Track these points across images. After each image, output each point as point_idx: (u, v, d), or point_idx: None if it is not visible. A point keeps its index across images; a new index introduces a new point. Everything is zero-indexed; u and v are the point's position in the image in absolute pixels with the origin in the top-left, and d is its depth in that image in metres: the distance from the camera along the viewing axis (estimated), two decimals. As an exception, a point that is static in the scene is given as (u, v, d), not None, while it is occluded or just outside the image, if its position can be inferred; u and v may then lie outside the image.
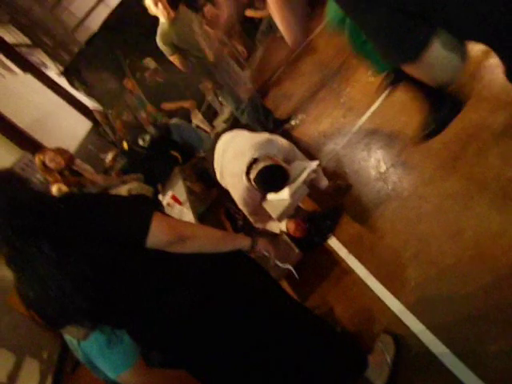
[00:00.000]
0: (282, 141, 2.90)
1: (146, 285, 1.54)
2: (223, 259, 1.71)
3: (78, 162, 4.60)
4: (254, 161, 2.60)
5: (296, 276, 2.14)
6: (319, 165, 2.85)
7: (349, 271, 2.67)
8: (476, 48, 1.97)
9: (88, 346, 2.03)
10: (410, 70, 0.97)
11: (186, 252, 1.56)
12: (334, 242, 2.95)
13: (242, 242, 1.77)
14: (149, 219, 1.49)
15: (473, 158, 2.47)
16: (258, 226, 2.99)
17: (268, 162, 2.57)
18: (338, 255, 2.83)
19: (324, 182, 3.09)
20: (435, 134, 2.46)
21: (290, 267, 2.11)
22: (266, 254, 1.85)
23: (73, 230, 1.41)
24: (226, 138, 3.08)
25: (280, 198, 2.68)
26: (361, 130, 3.62)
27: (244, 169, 2.64)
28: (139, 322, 1.61)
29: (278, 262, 1.93)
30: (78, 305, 1.42)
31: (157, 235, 1.49)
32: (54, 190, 4.04)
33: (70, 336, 2.02)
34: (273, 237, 2.97)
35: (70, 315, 1.46)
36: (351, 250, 2.77)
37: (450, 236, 2.26)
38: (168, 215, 1.67)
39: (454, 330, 1.95)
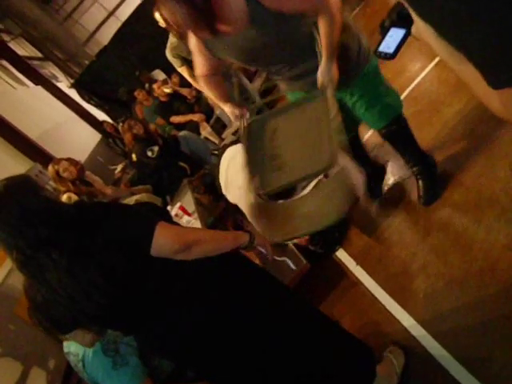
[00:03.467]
0: None
1: (156, 293, 1.55)
2: (232, 266, 1.73)
3: (87, 173, 4.67)
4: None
5: (293, 267, 2.17)
6: (326, 176, 2.85)
7: (357, 283, 2.66)
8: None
9: (94, 368, 2.06)
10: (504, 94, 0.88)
11: (192, 258, 1.56)
12: (341, 254, 2.94)
13: (242, 239, 1.78)
14: (152, 227, 1.50)
15: (481, 170, 2.47)
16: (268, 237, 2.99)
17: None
18: (346, 267, 2.82)
19: None
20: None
21: (286, 259, 2.15)
22: (263, 250, 1.87)
23: (83, 237, 1.43)
24: (229, 154, 3.09)
25: (288, 209, 2.68)
26: (368, 141, 3.62)
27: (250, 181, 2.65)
28: (148, 329, 1.61)
29: (275, 256, 1.96)
30: (87, 311, 1.44)
31: (161, 243, 1.50)
32: (65, 198, 4.10)
33: (76, 341, 2.03)
34: (281, 247, 2.97)
35: (78, 320, 1.48)
36: (359, 262, 2.76)
37: (459, 248, 2.25)
38: (173, 223, 1.69)
39: (462, 342, 1.93)
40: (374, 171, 2.99)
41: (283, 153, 2.10)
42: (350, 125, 2.58)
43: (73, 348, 2.13)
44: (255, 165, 2.14)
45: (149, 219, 1.55)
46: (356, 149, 2.85)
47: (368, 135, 3.66)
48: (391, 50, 1.25)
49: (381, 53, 1.28)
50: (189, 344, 1.64)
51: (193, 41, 2.15)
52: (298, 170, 2.01)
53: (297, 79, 2.29)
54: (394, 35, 1.23)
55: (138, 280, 1.50)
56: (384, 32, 1.26)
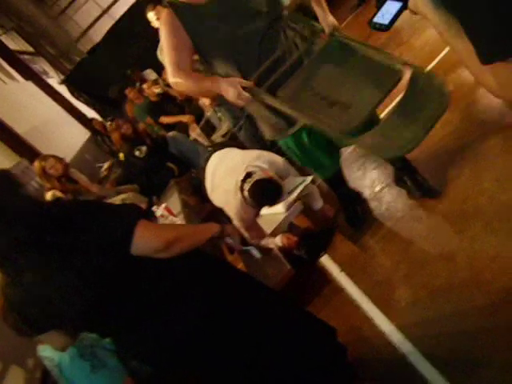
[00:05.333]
0: (274, 156, 2.92)
1: (134, 295, 1.52)
2: (213, 270, 1.72)
3: (73, 170, 4.62)
4: (248, 175, 2.61)
5: (257, 255, 2.18)
6: (314, 182, 2.86)
7: (340, 290, 2.66)
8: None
9: (72, 373, 2.03)
10: (496, 69, 0.86)
11: (171, 256, 1.54)
12: (326, 260, 2.94)
13: (214, 229, 1.78)
14: (133, 225, 1.47)
15: (467, 180, 2.48)
16: (254, 241, 2.98)
17: (262, 176, 2.59)
18: (330, 274, 2.82)
19: (318, 203, 3.07)
20: None
21: (251, 248, 2.17)
22: (230, 240, 1.86)
23: (61, 236, 1.39)
24: (215, 159, 3.09)
25: (274, 213, 2.68)
26: (356, 149, 3.63)
27: (238, 183, 2.65)
28: (125, 332, 1.59)
29: (242, 246, 1.97)
30: (62, 313, 1.41)
31: (142, 242, 1.47)
32: (49, 195, 4.05)
33: (49, 344, 2.00)
34: (267, 252, 2.96)
35: (53, 321, 1.45)
36: (343, 269, 2.76)
37: (443, 258, 2.26)
38: (154, 222, 1.67)
39: (443, 351, 1.93)
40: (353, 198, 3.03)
41: (340, 94, 2.04)
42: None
43: (48, 352, 2.10)
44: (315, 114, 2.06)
45: (129, 217, 1.52)
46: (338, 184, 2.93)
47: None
48: (386, 22, 1.25)
49: (376, 23, 1.28)
50: (167, 348, 1.62)
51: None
52: (371, 98, 1.95)
53: None
54: (390, 7, 1.23)
55: (117, 281, 1.47)
56: (380, 4, 1.26)
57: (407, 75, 1.87)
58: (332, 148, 2.67)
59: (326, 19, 2.29)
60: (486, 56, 0.87)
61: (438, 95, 1.82)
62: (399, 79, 1.92)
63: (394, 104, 1.99)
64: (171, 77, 2.30)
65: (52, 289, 1.39)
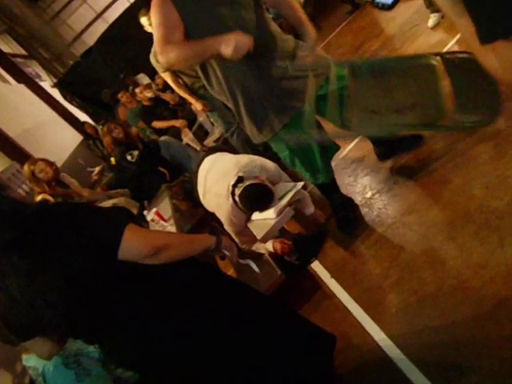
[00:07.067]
0: (266, 162, 2.92)
1: (120, 301, 1.50)
2: (202, 275, 1.71)
3: (63, 174, 4.58)
4: (239, 179, 2.61)
5: (256, 270, 2.16)
6: (305, 188, 2.86)
7: (331, 296, 2.66)
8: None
9: (56, 381, 2.01)
10: (498, 48, 0.85)
11: (160, 263, 1.52)
12: (317, 266, 2.93)
13: (209, 241, 1.76)
14: (121, 230, 1.44)
15: (457, 188, 2.50)
16: (245, 246, 2.97)
17: (253, 181, 2.59)
18: (321, 279, 2.81)
19: (310, 209, 3.07)
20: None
21: (250, 261, 2.15)
22: (227, 253, 1.83)
23: (47, 240, 1.37)
24: (207, 163, 3.09)
25: (265, 218, 2.68)
26: (348, 155, 3.64)
27: (229, 188, 2.65)
28: (111, 339, 1.57)
29: (240, 260, 1.95)
30: (47, 318, 1.39)
31: (130, 246, 1.44)
32: (39, 200, 4.01)
33: (34, 351, 1.97)
34: (258, 257, 2.96)
35: (37, 327, 1.43)
36: (334, 275, 2.76)
37: (432, 265, 2.27)
38: (144, 227, 1.65)
39: (432, 357, 1.94)
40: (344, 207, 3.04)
41: (401, 100, 2.01)
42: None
43: (32, 362, 2.08)
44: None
45: (117, 221, 1.49)
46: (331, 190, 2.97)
47: (347, 150, 3.70)
48: (389, 1, 1.24)
49: (378, 3, 1.28)
50: (155, 355, 1.60)
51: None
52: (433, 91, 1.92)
53: None
54: None
55: (103, 285, 1.46)
56: None
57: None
58: (328, 153, 2.70)
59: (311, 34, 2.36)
60: (486, 34, 0.87)
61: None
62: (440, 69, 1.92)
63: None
64: (160, 54, 2.20)
65: (35, 292, 1.36)
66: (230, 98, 2.46)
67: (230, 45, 2.03)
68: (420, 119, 1.96)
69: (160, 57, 2.21)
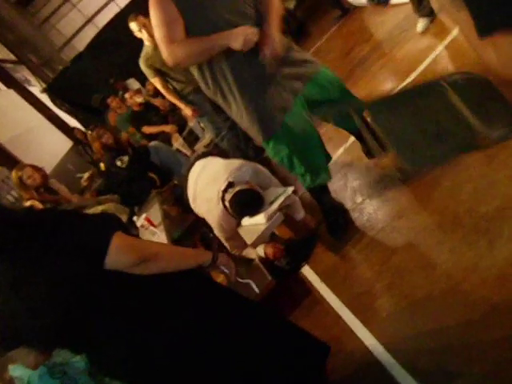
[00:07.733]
0: (257, 166, 2.91)
1: (106, 311, 1.48)
2: (191, 285, 1.68)
3: (52, 180, 4.54)
4: (230, 185, 2.61)
5: (256, 290, 2.13)
6: (295, 193, 2.85)
7: (321, 300, 2.65)
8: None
9: None
10: (497, 42, 0.84)
11: (148, 273, 1.49)
12: (307, 271, 2.93)
13: (204, 257, 1.72)
14: (108, 237, 1.41)
15: (446, 191, 2.50)
16: (235, 252, 2.96)
17: (243, 186, 2.58)
18: (311, 284, 2.81)
19: (300, 214, 3.06)
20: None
21: (250, 281, 2.12)
22: (226, 270, 1.80)
23: (33, 248, 1.34)
24: (197, 167, 3.08)
25: (255, 223, 2.67)
26: (339, 160, 3.64)
27: (219, 193, 2.64)
28: (101, 347, 1.55)
29: (239, 278, 1.92)
30: (30, 329, 1.36)
31: (117, 255, 1.42)
32: (27, 206, 3.96)
33: (19, 361, 1.95)
34: (248, 263, 2.94)
35: (21, 337, 1.40)
36: (324, 279, 2.75)
37: (422, 269, 2.26)
38: (132, 235, 1.62)
39: (422, 362, 1.93)
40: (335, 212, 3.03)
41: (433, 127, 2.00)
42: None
43: (18, 371, 2.04)
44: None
45: (105, 229, 1.47)
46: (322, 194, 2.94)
47: (339, 153, 3.70)
48: None
49: None
50: (142, 366, 1.58)
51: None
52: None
53: None
54: None
55: (90, 295, 1.43)
56: None
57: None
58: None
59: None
60: (484, 27, 0.87)
61: None
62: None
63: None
64: (165, 52, 2.23)
65: (18, 301, 1.33)
66: (229, 97, 2.46)
67: (239, 38, 2.09)
68: (458, 143, 1.95)
69: (167, 56, 2.24)
